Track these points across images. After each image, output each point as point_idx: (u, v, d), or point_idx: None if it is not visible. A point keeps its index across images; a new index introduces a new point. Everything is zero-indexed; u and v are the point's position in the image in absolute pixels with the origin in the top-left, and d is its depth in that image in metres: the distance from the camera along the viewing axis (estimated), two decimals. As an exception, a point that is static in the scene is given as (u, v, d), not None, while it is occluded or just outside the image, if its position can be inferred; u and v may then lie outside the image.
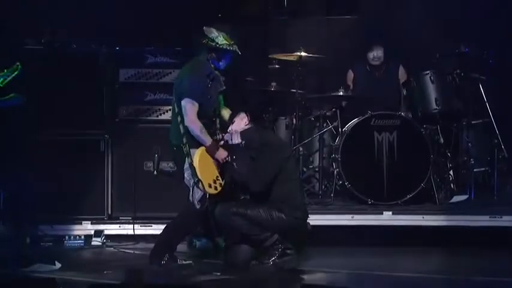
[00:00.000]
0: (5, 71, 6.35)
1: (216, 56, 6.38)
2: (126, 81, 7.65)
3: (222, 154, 6.34)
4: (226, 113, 6.65)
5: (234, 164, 6.35)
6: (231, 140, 6.41)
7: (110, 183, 7.61)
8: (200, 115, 6.33)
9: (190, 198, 6.33)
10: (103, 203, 7.60)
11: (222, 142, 6.42)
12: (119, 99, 7.65)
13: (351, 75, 8.51)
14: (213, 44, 6.37)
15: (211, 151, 6.30)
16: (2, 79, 6.33)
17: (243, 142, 6.38)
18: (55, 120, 7.48)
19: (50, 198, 7.30)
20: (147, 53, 7.64)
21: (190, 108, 6.28)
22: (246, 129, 6.45)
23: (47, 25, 7.58)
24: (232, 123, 6.48)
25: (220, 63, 6.41)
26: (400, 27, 8.60)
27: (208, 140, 6.30)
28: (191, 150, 6.31)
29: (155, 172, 7.23)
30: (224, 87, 6.49)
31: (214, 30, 6.39)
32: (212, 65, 6.40)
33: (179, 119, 6.36)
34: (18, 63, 6.38)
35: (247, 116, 6.47)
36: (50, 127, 7.47)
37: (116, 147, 7.63)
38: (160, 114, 7.62)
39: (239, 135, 6.42)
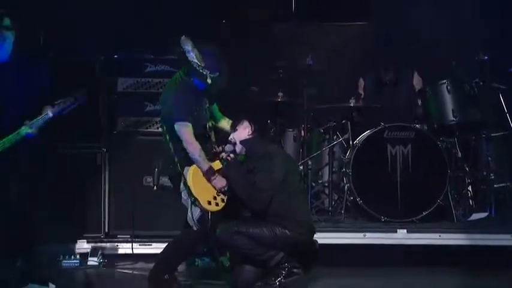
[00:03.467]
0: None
1: (187, 72, 6.29)
2: (125, 91, 7.68)
3: (219, 183, 6.25)
4: (226, 123, 6.59)
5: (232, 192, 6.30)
6: (232, 149, 6.37)
7: (107, 199, 7.62)
8: None
9: (189, 219, 6.30)
10: (100, 220, 7.60)
11: (222, 155, 6.37)
12: (117, 110, 7.67)
13: (361, 83, 8.46)
14: (184, 56, 6.28)
15: (207, 177, 6.24)
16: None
17: (244, 150, 6.36)
18: (49, 133, 7.14)
19: (42, 215, 7.11)
20: (147, 61, 7.68)
21: (184, 131, 6.22)
22: (249, 139, 6.41)
23: (40, 31, 7.60)
24: (235, 131, 6.46)
25: (195, 80, 6.30)
26: (414, 33, 8.61)
27: (205, 165, 6.23)
28: (184, 169, 6.27)
29: (155, 187, 7.01)
30: (208, 105, 6.41)
31: (190, 43, 6.28)
32: (192, 81, 6.33)
33: (168, 137, 6.33)
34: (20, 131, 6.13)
35: (250, 125, 6.42)
36: (43, 140, 7.19)
37: (113, 161, 7.64)
38: (161, 126, 7.20)
39: (240, 145, 6.40)
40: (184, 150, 6.24)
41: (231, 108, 6.69)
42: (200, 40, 6.32)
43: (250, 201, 6.23)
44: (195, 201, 6.16)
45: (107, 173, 7.63)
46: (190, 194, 6.18)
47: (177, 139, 6.25)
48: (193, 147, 6.19)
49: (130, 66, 7.70)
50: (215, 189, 6.27)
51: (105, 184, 7.62)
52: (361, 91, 8.44)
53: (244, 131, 6.41)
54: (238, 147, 6.38)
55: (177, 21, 8.20)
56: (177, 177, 6.35)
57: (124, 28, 8.00)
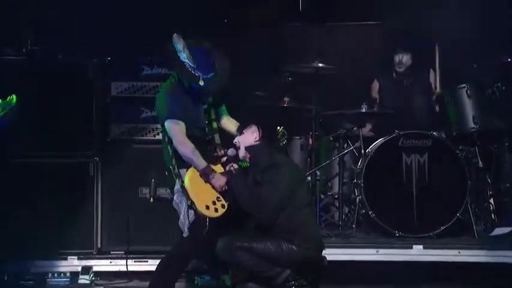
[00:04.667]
0: (5, 100, 6.17)
1: (179, 73, 6.29)
2: (119, 95, 7.61)
3: (218, 181, 6.21)
4: (232, 125, 6.53)
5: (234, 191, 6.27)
6: (236, 154, 6.31)
7: (99, 213, 7.56)
8: (187, 136, 6.28)
9: (180, 224, 6.26)
10: (92, 235, 7.54)
11: (224, 158, 6.31)
12: (111, 116, 7.61)
13: (376, 86, 8.47)
14: (176, 56, 6.27)
15: (205, 176, 6.21)
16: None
17: (248, 156, 6.29)
18: (37, 141, 7.41)
19: (31, 229, 7.25)
20: (143, 64, 7.63)
21: (174, 128, 6.22)
22: (255, 146, 6.32)
23: (28, 32, 7.57)
24: (240, 134, 6.37)
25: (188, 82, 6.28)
26: (431, 33, 8.56)
27: (201, 164, 6.20)
28: (180, 171, 6.24)
29: (152, 199, 7.01)
30: (206, 106, 6.37)
31: (181, 42, 6.27)
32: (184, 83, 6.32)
33: (166, 138, 6.30)
34: (13, 96, 6.17)
35: (258, 130, 6.34)
36: (30, 148, 7.41)
37: (107, 171, 7.58)
38: (158, 134, 7.50)
39: (245, 150, 6.31)
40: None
41: (235, 113, 6.67)
42: (193, 38, 6.31)
43: (255, 215, 6.18)
44: (191, 205, 6.14)
45: (99, 183, 7.57)
46: (186, 197, 6.15)
47: (170, 139, 6.27)
48: (185, 146, 6.19)
49: (125, 69, 7.65)
50: (215, 191, 6.22)
51: (97, 196, 7.56)
52: (375, 95, 8.44)
53: (250, 136, 6.34)
54: (242, 152, 6.31)
55: (175, 21, 8.15)
56: (172, 183, 6.35)
57: (118, 28, 7.98)
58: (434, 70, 8.36)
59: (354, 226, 7.85)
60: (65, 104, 7.41)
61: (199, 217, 6.18)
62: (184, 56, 6.22)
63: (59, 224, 7.38)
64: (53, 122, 7.39)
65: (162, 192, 7.03)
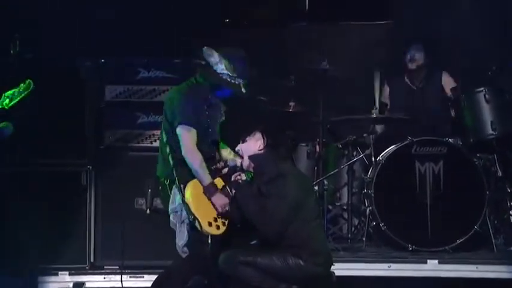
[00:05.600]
0: (19, 87, 6.23)
1: (213, 84, 6.34)
2: (114, 100, 7.55)
3: (220, 200, 6.15)
4: (225, 152, 6.53)
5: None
6: (234, 164, 6.29)
7: (92, 225, 7.48)
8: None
9: (177, 247, 6.21)
10: (84, 249, 7.46)
11: (225, 170, 6.28)
12: (105, 121, 7.54)
13: (386, 90, 8.46)
14: (211, 69, 6.29)
15: (208, 193, 6.16)
16: (8, 100, 6.20)
17: (252, 166, 6.20)
18: (26, 148, 7.33)
19: (19, 243, 7.19)
20: (139, 66, 7.55)
21: (186, 135, 6.16)
22: (259, 154, 6.22)
23: (16, 32, 7.51)
24: (243, 142, 6.27)
25: (218, 92, 6.37)
26: (445, 33, 8.54)
27: (207, 179, 6.15)
28: (181, 185, 6.18)
29: (148, 211, 6.87)
30: (224, 118, 6.45)
31: (215, 54, 6.31)
32: (209, 89, 6.36)
33: (167, 149, 6.23)
34: (30, 81, 6.23)
35: (263, 137, 6.24)
36: (19, 156, 7.33)
37: (100, 181, 7.51)
38: (155, 141, 7.45)
39: (249, 159, 6.21)
40: (184, 162, 6.18)
41: (237, 119, 6.64)
42: (223, 46, 6.34)
43: (262, 229, 6.07)
44: (194, 220, 6.06)
45: (92, 194, 7.49)
46: (188, 211, 6.07)
47: (177, 147, 6.21)
48: (194, 156, 6.15)
49: (120, 71, 7.57)
50: (215, 209, 6.17)
51: (90, 207, 7.47)
52: (385, 100, 8.43)
53: (255, 144, 6.25)
54: (246, 163, 6.23)
55: (174, 21, 8.22)
56: (167, 197, 6.31)
57: (113, 28, 7.98)
58: (448, 72, 8.34)
59: (363, 239, 7.77)
60: (55, 108, 7.34)
61: (200, 234, 6.11)
62: (222, 67, 6.26)
63: (49, 237, 7.29)
64: (43, 128, 7.32)
65: (159, 203, 6.85)
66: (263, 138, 6.24)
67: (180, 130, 6.16)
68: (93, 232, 7.43)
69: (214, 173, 6.25)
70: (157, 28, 8.11)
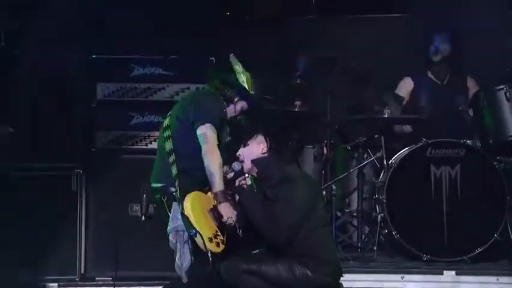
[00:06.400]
0: None
1: (229, 95, 6.32)
2: (106, 99, 7.49)
3: (227, 211, 6.00)
4: None
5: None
6: (241, 169, 6.14)
7: (83, 233, 7.41)
8: None
9: (177, 268, 6.00)
10: (74, 259, 7.36)
11: (231, 175, 6.17)
12: (96, 122, 7.50)
13: (409, 84, 8.25)
14: (234, 78, 6.32)
15: (217, 199, 6.05)
16: None
17: (254, 170, 6.09)
18: (11, 151, 7.28)
19: (4, 253, 7.08)
20: (133, 63, 7.51)
21: (211, 135, 6.05)
22: (262, 158, 6.12)
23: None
24: (245, 146, 6.18)
25: (230, 105, 6.34)
26: (465, 27, 8.34)
27: (221, 186, 6.03)
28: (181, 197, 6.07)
29: (143, 218, 6.58)
30: (229, 138, 6.45)
31: (239, 65, 6.35)
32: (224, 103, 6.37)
33: (172, 158, 6.06)
34: None
35: (266, 141, 6.14)
36: (2, 159, 7.26)
37: (92, 185, 7.44)
38: (150, 142, 7.42)
39: (250, 164, 6.11)
40: (188, 172, 6.05)
41: (238, 120, 6.53)
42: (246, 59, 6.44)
43: (270, 237, 5.95)
44: (195, 234, 5.91)
45: (83, 199, 7.41)
46: (188, 225, 5.91)
47: (184, 156, 6.08)
48: (215, 156, 6.04)
49: (113, 68, 7.51)
50: (214, 225, 6.05)
51: (81, 213, 7.39)
52: (404, 94, 8.20)
53: (257, 148, 6.15)
54: (247, 166, 6.13)
55: (171, 15, 8.15)
56: (163, 212, 6.14)
57: (104, 21, 7.85)
58: (473, 78, 8.28)
59: (375, 248, 7.67)
60: (43, 108, 7.30)
61: (200, 253, 5.97)
62: (243, 79, 6.32)
63: (37, 246, 7.20)
64: (30, 129, 7.28)
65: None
66: (266, 141, 6.17)
67: (205, 129, 6.05)
68: (84, 241, 7.34)
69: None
70: (156, 24, 8.02)
